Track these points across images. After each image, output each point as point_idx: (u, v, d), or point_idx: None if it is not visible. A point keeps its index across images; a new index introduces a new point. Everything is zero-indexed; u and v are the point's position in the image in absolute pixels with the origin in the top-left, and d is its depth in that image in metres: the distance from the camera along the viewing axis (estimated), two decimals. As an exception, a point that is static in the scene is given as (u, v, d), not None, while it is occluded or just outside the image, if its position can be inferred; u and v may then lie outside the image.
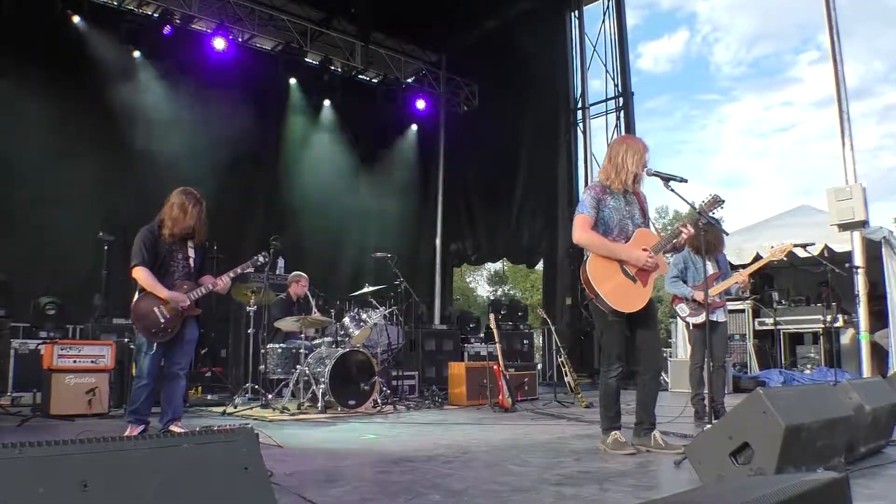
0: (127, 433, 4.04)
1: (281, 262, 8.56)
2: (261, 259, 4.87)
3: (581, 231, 3.66)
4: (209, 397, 7.22)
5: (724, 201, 3.78)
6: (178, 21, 9.89)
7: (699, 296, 5.18)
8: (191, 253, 4.49)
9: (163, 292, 4.26)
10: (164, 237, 4.35)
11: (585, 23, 12.24)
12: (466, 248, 13.75)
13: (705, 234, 3.93)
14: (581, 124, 12.05)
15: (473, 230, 13.49)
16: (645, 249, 3.65)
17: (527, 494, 2.62)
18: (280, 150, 11.32)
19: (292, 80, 11.22)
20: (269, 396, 6.44)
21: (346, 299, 8.13)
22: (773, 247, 5.31)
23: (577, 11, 12.26)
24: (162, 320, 4.26)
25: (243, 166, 10.43)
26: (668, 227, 4.70)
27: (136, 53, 9.61)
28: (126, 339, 6.30)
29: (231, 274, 4.62)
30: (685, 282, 5.33)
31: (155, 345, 4.27)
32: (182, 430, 4.11)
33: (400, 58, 12.65)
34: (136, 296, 4.34)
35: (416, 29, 12.23)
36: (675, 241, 3.75)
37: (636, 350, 3.78)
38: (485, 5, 11.93)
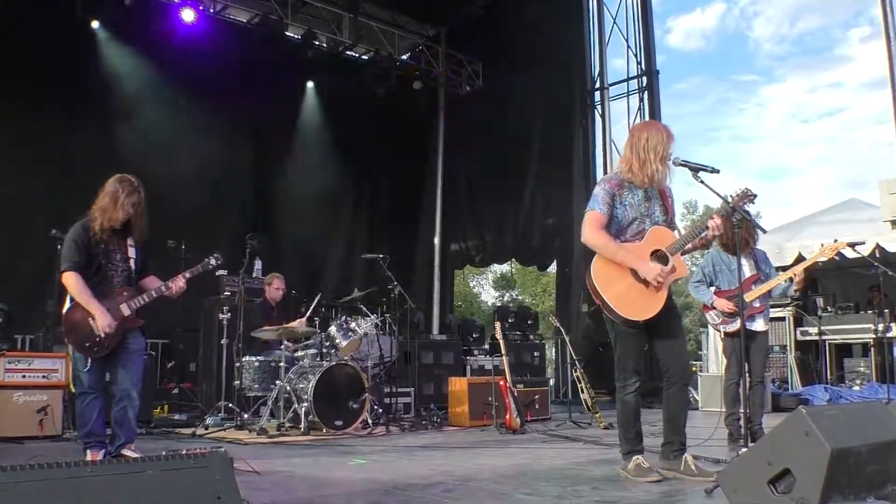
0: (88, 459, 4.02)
1: (258, 264, 8.56)
2: (212, 262, 4.71)
3: (590, 230, 3.65)
4: (177, 417, 7.23)
5: (755, 195, 3.77)
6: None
7: (719, 303, 5.17)
8: (131, 253, 4.39)
9: (94, 308, 4.13)
10: (95, 232, 4.23)
11: (605, -8, 12.25)
12: (469, 248, 13.72)
13: (737, 230, 3.93)
14: (599, 107, 12.04)
15: (477, 228, 13.46)
16: (658, 251, 3.63)
17: (538, 527, 2.62)
18: (258, 136, 11.32)
19: (271, 58, 11.20)
20: (245, 416, 6.44)
21: (332, 306, 8.14)
22: (823, 244, 5.27)
23: (594, -21, 12.28)
24: (98, 333, 4.16)
25: (216, 155, 10.43)
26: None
27: (95, 24, 9.58)
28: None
29: (186, 275, 4.52)
30: (718, 287, 5.31)
31: (89, 360, 4.19)
32: (137, 456, 3.95)
33: (394, 32, 12.64)
34: (68, 303, 4.25)
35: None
36: (700, 236, 3.74)
37: (659, 361, 3.77)
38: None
